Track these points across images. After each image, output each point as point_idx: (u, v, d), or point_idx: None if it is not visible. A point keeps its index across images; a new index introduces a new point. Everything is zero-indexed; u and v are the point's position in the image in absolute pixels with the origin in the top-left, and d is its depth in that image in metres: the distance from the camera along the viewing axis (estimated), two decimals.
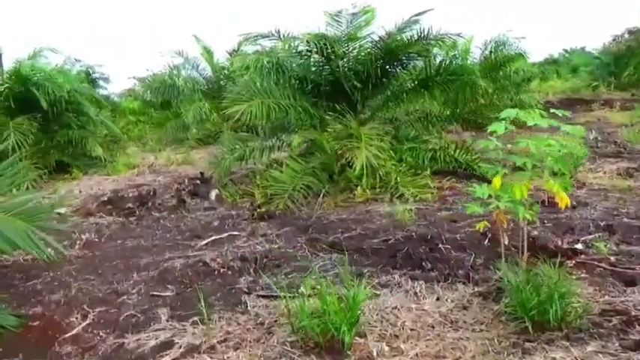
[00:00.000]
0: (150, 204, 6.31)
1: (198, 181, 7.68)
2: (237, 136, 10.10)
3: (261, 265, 4.02)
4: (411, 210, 5.06)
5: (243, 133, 15.25)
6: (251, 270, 3.97)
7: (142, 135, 17.61)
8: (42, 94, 9.36)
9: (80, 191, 8.05)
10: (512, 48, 11.63)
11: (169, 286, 3.74)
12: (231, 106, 5.98)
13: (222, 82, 15.51)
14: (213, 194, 6.51)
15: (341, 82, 6.55)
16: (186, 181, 7.40)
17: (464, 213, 4.43)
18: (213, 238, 4.82)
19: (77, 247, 4.84)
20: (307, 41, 5.92)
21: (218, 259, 4.14)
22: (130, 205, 6.24)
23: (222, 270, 3.96)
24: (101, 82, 19.34)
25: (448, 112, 7.68)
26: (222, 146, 13.63)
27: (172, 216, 5.91)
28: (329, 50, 6.04)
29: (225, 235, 4.91)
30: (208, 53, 15.66)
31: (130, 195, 6.93)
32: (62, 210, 6.19)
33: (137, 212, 6.06)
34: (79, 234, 5.19)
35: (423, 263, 3.76)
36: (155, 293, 3.63)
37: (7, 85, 9.49)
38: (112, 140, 11.30)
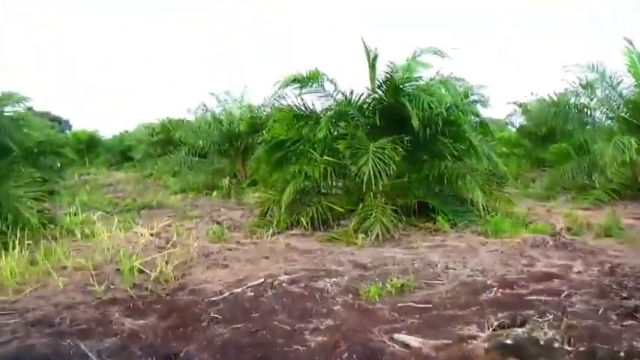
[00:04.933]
0: None
1: None
2: None
3: None
4: None
5: None
6: None
7: (519, 173, 13.79)
8: (415, 109, 6.75)
9: (439, 266, 4.83)
10: None
11: None
12: None
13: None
14: None
15: None
16: None
17: None
18: None
19: None
20: None
21: None
22: None
23: None
24: (479, 107, 16.54)
25: None
26: None
27: None
28: None
29: None
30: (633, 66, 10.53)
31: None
32: None
33: None
34: None
35: None
36: None
37: (375, 95, 7.29)
38: (492, 180, 7.91)
